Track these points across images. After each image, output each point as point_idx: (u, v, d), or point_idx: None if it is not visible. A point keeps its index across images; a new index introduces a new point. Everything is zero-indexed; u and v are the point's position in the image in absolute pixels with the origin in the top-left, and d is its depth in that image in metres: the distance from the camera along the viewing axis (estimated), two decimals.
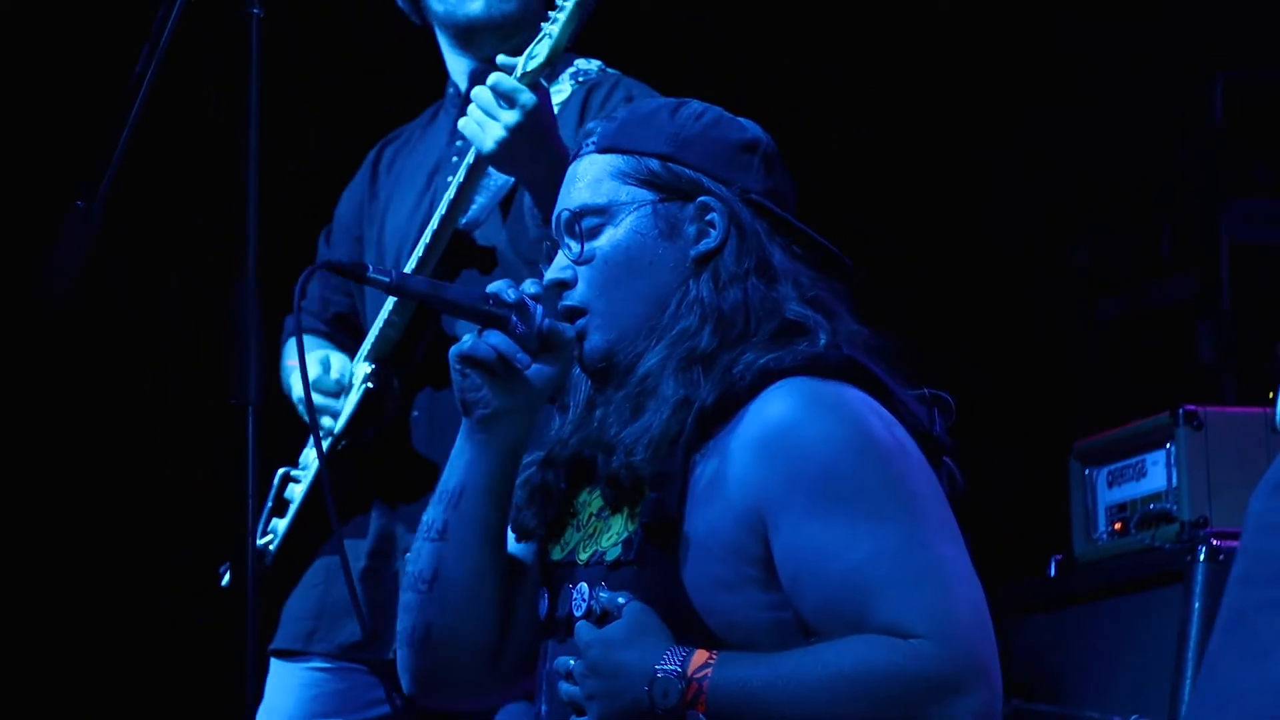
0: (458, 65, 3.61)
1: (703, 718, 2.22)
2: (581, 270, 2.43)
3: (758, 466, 2.28)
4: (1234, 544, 3.91)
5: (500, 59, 3.25)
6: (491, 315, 2.42)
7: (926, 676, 2.19)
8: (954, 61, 5.67)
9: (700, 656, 2.23)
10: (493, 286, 2.42)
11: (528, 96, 3.18)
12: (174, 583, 4.85)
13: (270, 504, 3.61)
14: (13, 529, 5.16)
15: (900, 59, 5.65)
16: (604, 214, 2.42)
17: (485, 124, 3.21)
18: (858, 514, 2.24)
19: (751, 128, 2.50)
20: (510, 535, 2.49)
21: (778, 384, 2.31)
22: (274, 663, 3.58)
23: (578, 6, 3.17)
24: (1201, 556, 3.90)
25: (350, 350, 3.60)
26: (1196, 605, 3.88)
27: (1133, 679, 4.03)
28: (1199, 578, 3.90)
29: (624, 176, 2.43)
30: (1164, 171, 5.31)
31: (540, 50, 3.19)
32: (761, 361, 2.32)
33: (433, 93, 3.72)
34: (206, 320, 3.68)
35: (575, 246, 2.43)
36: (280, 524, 3.58)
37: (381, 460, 3.52)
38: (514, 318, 2.41)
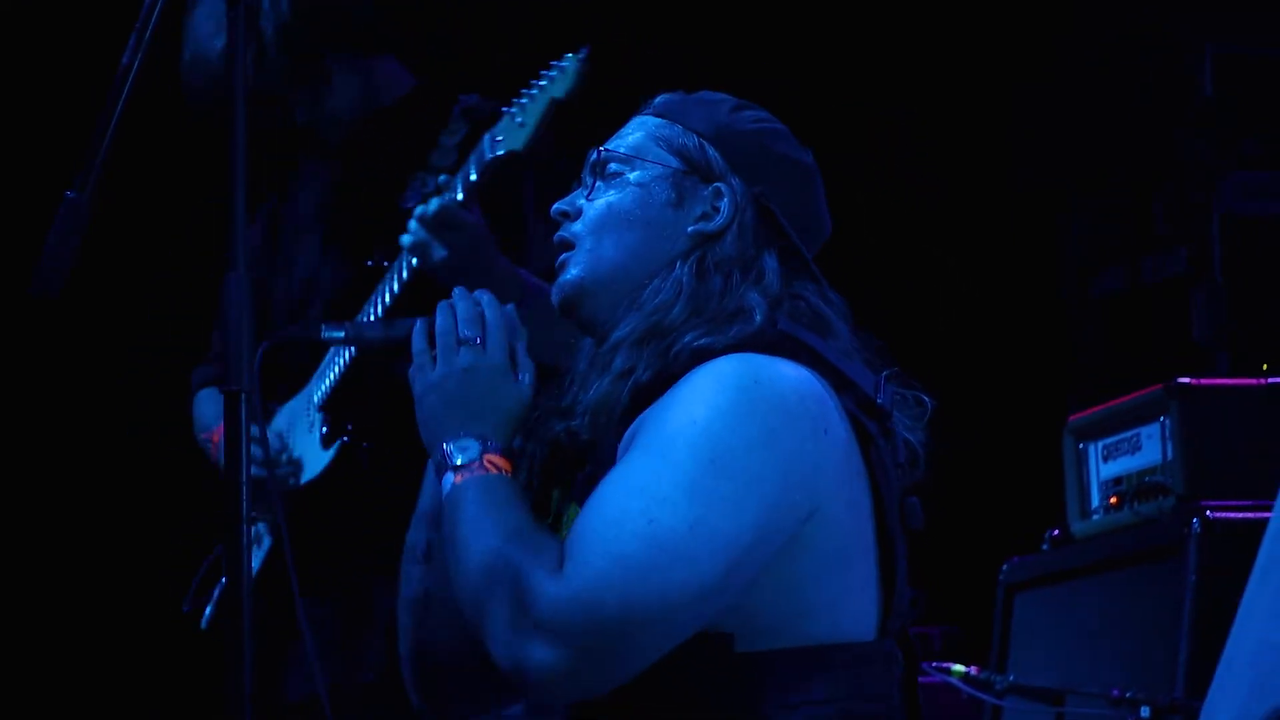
0: None
1: (450, 482, 2.33)
2: (586, 208, 2.49)
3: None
4: (1229, 515, 3.92)
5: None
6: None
7: (523, 600, 2.19)
8: (948, 38, 5.68)
9: (503, 464, 2.33)
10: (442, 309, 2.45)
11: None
12: (161, 574, 4.87)
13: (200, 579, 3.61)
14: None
15: (897, 37, 5.66)
16: (628, 164, 2.48)
17: (429, 245, 3.24)
18: (648, 448, 2.25)
19: (807, 155, 2.52)
20: None
21: (705, 364, 2.31)
22: None
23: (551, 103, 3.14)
24: (1196, 529, 3.91)
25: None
26: (1191, 578, 3.89)
27: (1128, 653, 4.03)
28: (1193, 550, 3.90)
29: (659, 140, 2.49)
30: (1156, 146, 5.31)
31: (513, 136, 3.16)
32: (696, 344, 2.33)
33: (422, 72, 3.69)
34: (197, 312, 3.69)
35: (589, 184, 2.50)
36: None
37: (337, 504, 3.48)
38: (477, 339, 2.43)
